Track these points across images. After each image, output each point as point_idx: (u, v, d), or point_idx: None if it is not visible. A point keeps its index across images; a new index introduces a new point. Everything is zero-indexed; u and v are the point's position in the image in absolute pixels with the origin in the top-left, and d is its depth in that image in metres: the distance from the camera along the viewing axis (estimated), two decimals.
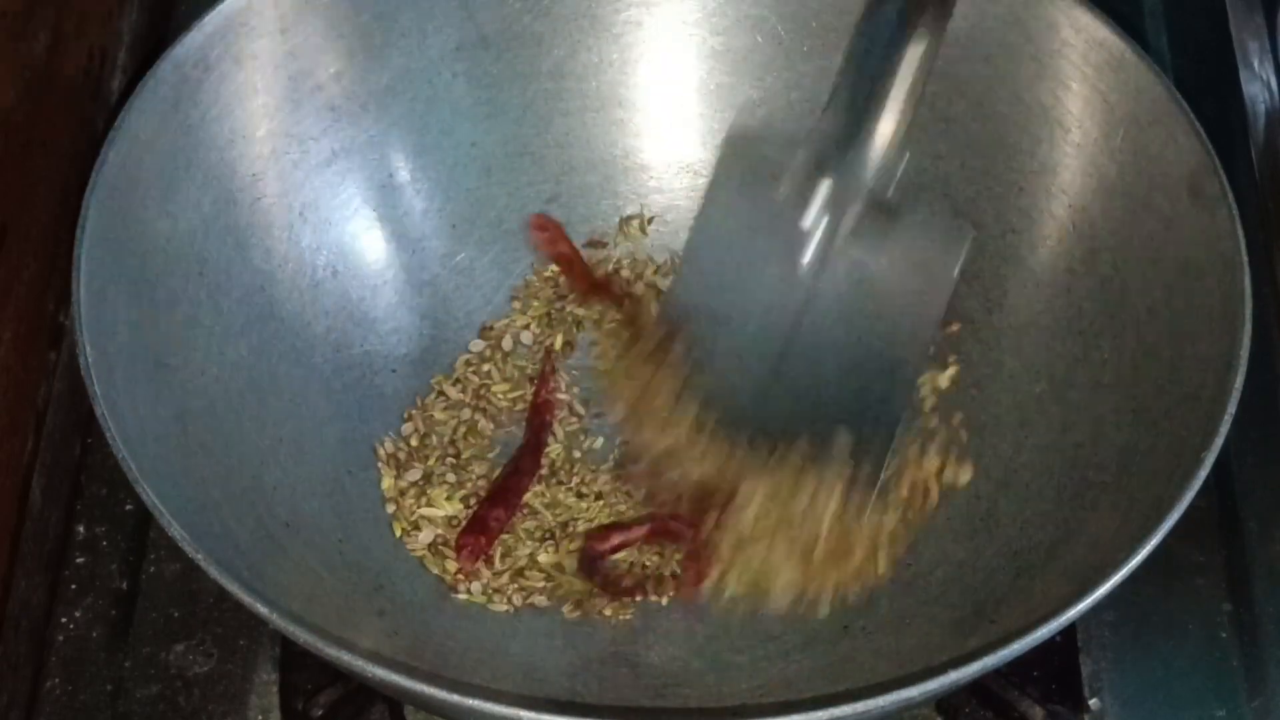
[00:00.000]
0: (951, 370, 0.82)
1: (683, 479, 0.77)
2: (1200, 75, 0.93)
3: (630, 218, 0.88)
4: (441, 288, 0.85)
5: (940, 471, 0.79)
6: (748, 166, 0.80)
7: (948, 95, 0.83)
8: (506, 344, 0.85)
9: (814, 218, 0.76)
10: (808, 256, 0.77)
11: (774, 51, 0.86)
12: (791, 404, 0.78)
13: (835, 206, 0.75)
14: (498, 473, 0.81)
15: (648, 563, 0.79)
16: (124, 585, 0.80)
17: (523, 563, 0.79)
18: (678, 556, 0.78)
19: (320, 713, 0.75)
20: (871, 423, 0.77)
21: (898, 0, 0.73)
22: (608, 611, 0.77)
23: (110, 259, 0.73)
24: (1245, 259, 0.73)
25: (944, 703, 0.77)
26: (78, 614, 0.79)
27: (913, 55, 0.72)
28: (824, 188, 0.75)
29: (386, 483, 0.80)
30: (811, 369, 0.79)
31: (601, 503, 0.81)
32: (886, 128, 0.73)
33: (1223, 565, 0.81)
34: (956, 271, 0.77)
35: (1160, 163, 0.77)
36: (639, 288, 0.86)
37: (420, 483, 0.80)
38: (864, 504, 0.75)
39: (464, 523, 0.79)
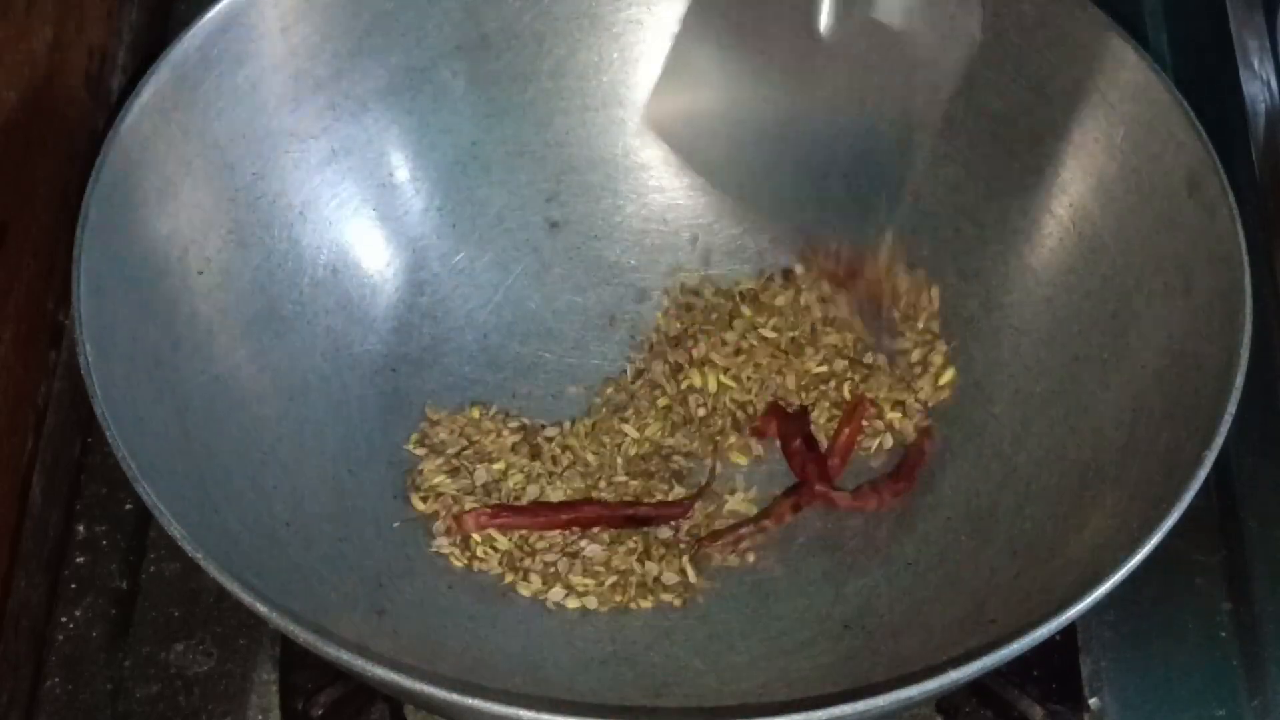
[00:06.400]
0: (949, 374, 0.82)
1: None
2: (1200, 75, 0.93)
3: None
4: (441, 287, 0.86)
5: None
6: None
7: (949, 95, 0.83)
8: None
9: None
10: (824, 19, 0.76)
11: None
12: (800, 171, 0.79)
13: None
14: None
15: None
16: (124, 585, 0.80)
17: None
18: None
19: (320, 713, 0.75)
20: (878, 187, 0.78)
21: None
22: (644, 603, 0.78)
23: (110, 259, 0.73)
24: (1245, 259, 0.73)
25: (944, 703, 0.77)
26: (78, 614, 0.79)
27: None
28: None
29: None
30: (823, 134, 0.79)
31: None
32: None
33: (1223, 565, 0.81)
34: (979, 31, 0.76)
35: (1160, 162, 0.77)
36: None
37: None
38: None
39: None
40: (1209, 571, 0.81)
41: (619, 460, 0.82)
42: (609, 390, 0.84)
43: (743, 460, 0.82)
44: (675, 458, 0.82)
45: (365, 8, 0.83)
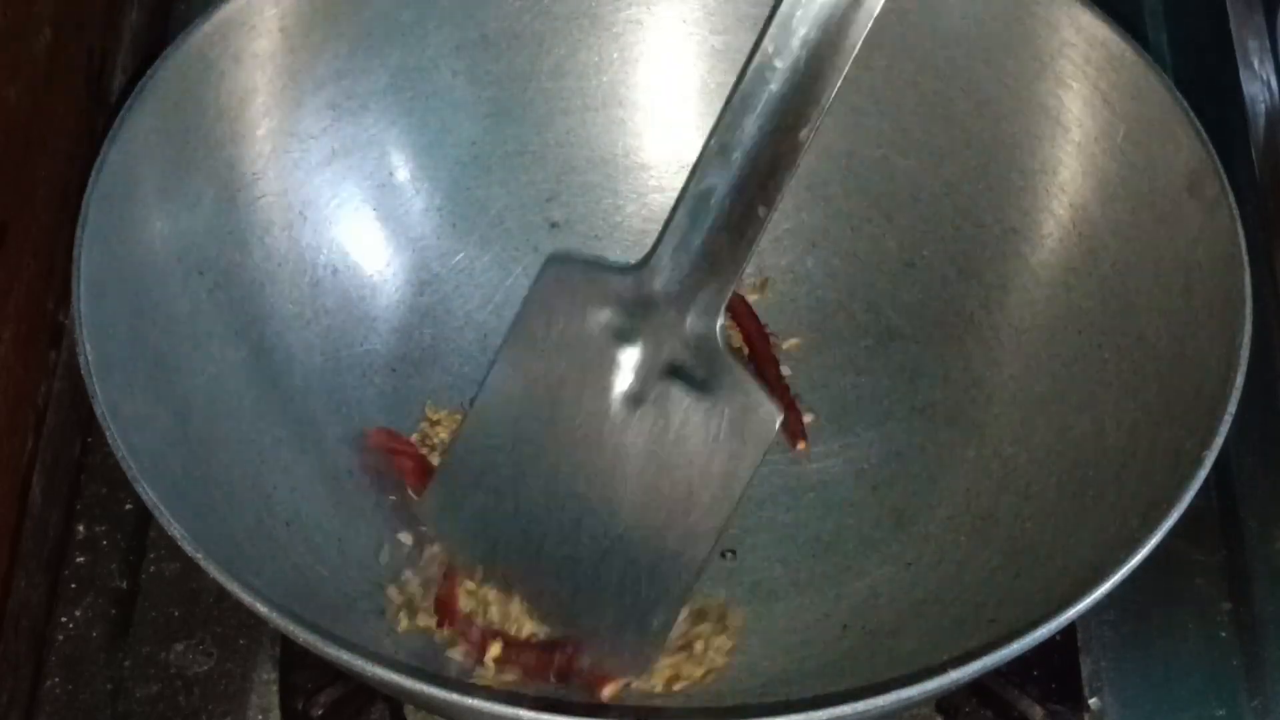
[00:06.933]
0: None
1: None
2: (1200, 75, 0.93)
3: None
4: (441, 287, 0.85)
5: None
6: (567, 290, 0.75)
7: (949, 94, 0.83)
8: None
9: (633, 352, 0.73)
10: (623, 390, 0.74)
11: None
12: (574, 558, 0.74)
13: (657, 345, 0.73)
14: None
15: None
16: (124, 585, 0.80)
17: None
18: None
19: (320, 713, 0.75)
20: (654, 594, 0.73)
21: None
22: None
23: (110, 259, 0.73)
24: (1245, 259, 0.73)
25: (944, 703, 0.77)
26: (78, 614, 0.79)
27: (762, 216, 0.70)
28: (650, 324, 0.73)
29: None
30: (604, 522, 0.73)
31: None
32: (725, 279, 0.71)
33: (1223, 565, 0.81)
34: (760, 455, 0.72)
35: (1160, 163, 0.77)
36: None
37: None
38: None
39: None
40: (1209, 571, 0.81)
41: None
42: None
43: None
44: None
45: (365, 8, 0.83)
